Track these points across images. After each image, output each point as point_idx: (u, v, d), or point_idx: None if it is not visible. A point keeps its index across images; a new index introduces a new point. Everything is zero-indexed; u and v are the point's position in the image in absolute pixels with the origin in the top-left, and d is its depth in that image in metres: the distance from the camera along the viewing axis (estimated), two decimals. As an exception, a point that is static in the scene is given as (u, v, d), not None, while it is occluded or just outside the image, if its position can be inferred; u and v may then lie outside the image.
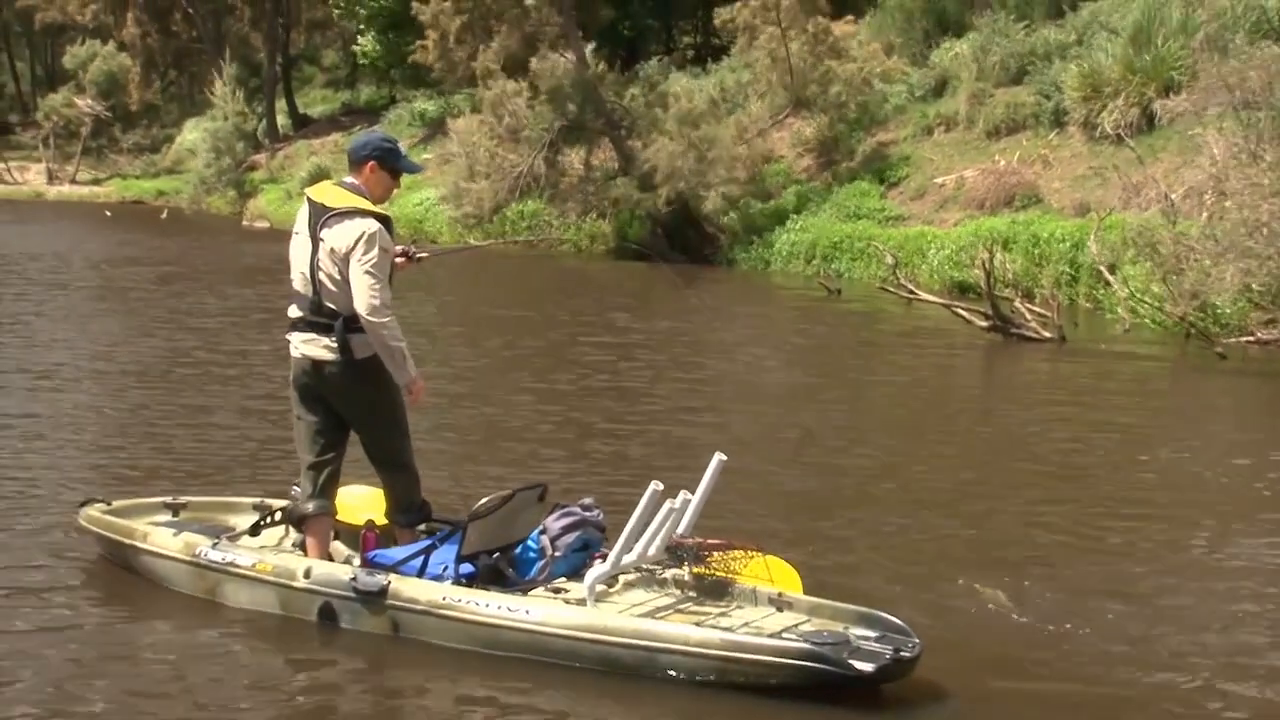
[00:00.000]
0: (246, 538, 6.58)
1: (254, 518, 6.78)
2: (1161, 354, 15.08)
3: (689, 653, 5.33)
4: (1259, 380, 13.62)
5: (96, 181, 48.21)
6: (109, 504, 6.88)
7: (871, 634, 5.44)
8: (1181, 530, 7.93)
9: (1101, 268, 17.23)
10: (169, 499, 7.09)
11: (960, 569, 6.88)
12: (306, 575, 5.95)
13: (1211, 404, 12.80)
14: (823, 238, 23.40)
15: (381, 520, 6.44)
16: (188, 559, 6.25)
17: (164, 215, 38.53)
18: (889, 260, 19.07)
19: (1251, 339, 14.75)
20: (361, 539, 6.42)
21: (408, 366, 6.05)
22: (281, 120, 47.34)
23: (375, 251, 5.92)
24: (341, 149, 40.99)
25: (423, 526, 6.40)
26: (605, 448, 9.91)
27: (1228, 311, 15.05)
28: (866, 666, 5.16)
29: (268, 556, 6.17)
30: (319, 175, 36.87)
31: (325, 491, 6.19)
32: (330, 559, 6.24)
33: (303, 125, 47.14)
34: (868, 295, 19.81)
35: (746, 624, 5.60)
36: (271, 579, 6.02)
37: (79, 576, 6.68)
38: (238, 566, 6.11)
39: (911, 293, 17.70)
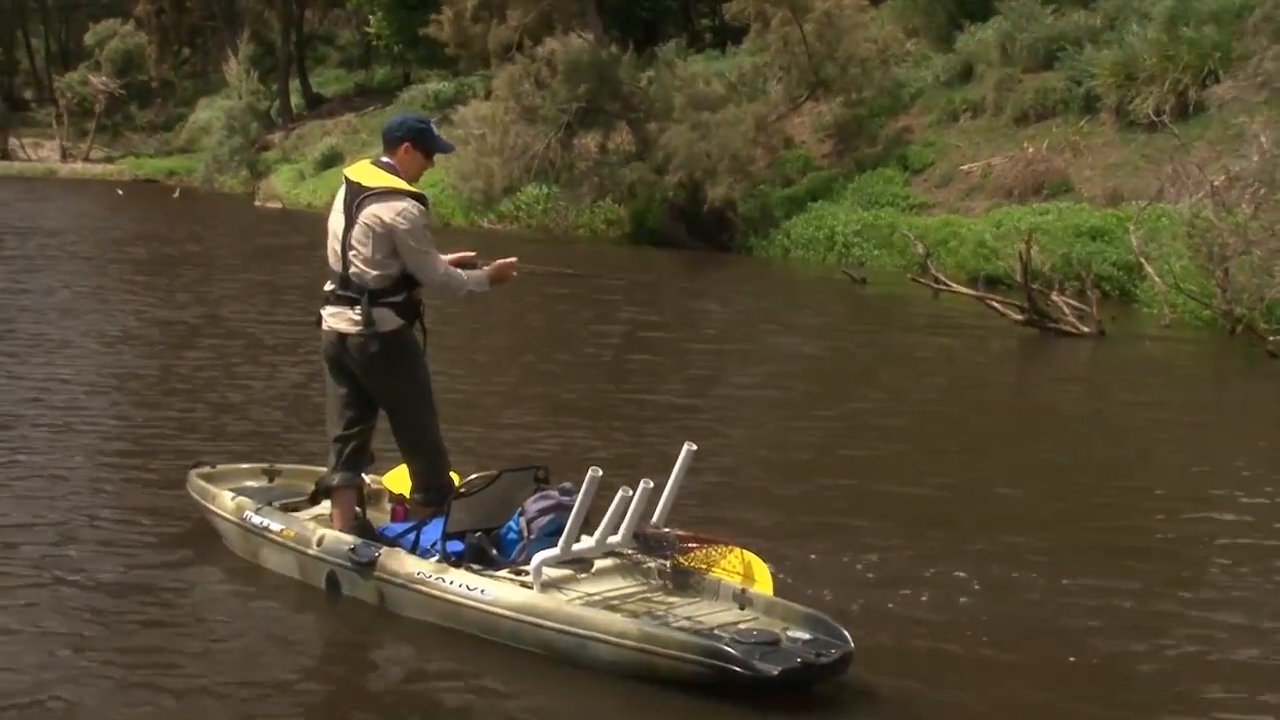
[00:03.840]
0: (307, 505, 6.72)
1: None
2: (1207, 350, 14.61)
3: (610, 642, 5.30)
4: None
5: (110, 160, 47.85)
6: (213, 467, 7.17)
7: (805, 636, 5.30)
8: (1214, 536, 7.55)
9: (1142, 259, 16.66)
10: (267, 465, 7.38)
11: (967, 567, 6.61)
12: (319, 544, 6.18)
13: (1265, 403, 12.33)
14: (844, 225, 22.88)
15: None
16: (237, 521, 6.57)
17: (176, 194, 38.23)
18: (919, 249, 18.46)
19: (1302, 336, 14.21)
20: (391, 512, 6.63)
21: (483, 282, 6.27)
22: (295, 100, 46.90)
23: (418, 228, 6.08)
24: (355, 129, 40.64)
25: None
26: (614, 429, 9.71)
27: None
28: (772, 669, 5.05)
29: (293, 524, 6.37)
30: (332, 156, 36.51)
31: (351, 464, 6.32)
32: (367, 530, 6.33)
33: (316, 105, 46.69)
34: (893, 284, 19.28)
35: (688, 618, 5.50)
36: (292, 545, 6.28)
37: (171, 534, 6.91)
38: (270, 531, 6.39)
39: (943, 284, 17.10)
